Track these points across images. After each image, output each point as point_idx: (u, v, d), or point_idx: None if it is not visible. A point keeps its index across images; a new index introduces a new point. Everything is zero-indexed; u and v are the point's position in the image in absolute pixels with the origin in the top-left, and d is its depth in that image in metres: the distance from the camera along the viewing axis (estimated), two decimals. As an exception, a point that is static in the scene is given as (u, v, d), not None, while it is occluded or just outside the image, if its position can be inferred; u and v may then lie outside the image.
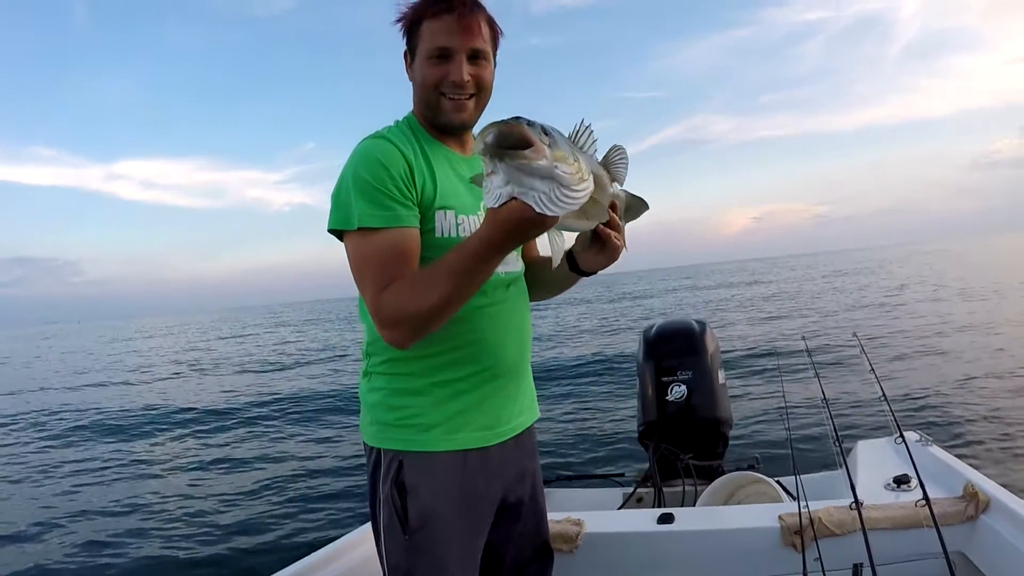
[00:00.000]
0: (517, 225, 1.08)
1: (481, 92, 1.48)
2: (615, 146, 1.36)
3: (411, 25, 1.48)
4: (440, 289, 1.23)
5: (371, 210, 1.32)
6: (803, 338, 3.71)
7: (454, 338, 1.44)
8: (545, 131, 1.01)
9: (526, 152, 0.97)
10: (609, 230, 1.38)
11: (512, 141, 0.98)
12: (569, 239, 1.50)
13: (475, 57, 1.46)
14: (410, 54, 1.50)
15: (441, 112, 1.46)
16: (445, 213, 1.44)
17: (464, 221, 1.46)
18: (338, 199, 1.37)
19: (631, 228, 1.56)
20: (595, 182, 1.16)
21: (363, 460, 1.52)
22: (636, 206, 1.53)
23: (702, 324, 3.32)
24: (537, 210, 1.02)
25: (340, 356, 19.33)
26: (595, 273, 1.53)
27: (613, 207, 1.36)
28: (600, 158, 1.30)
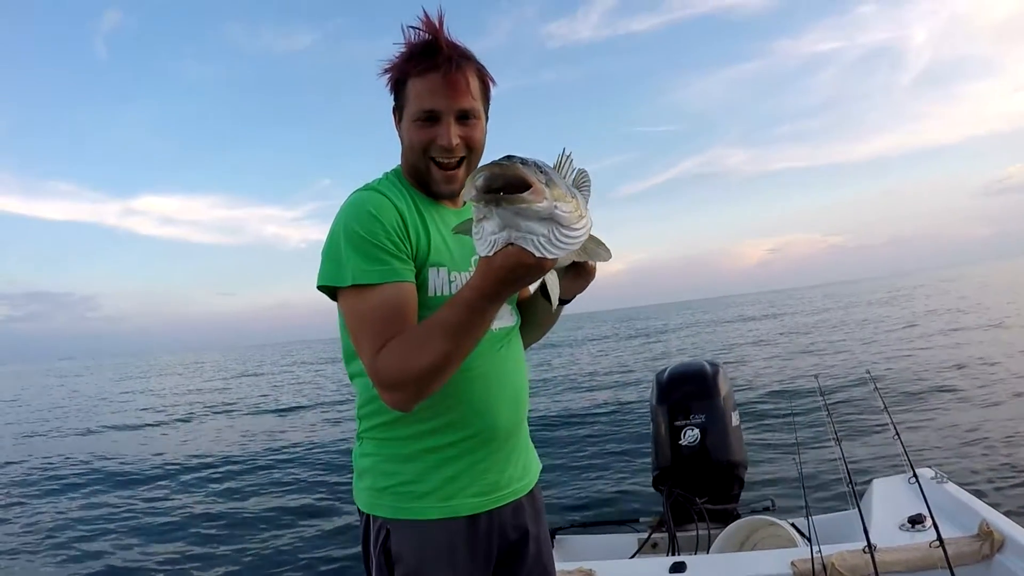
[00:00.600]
0: (513, 272, 1.01)
1: (472, 153, 1.41)
2: (581, 170, 1.28)
3: (396, 83, 1.42)
4: (436, 347, 1.15)
5: (365, 265, 1.25)
6: (816, 377, 3.72)
7: (442, 402, 1.36)
8: (540, 168, 0.95)
9: (524, 195, 0.91)
10: (588, 256, 1.32)
11: (506, 183, 0.92)
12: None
13: (464, 117, 1.38)
14: (398, 112, 1.44)
15: (432, 181, 1.40)
16: (438, 270, 1.38)
17: (457, 278, 1.40)
18: (329, 254, 1.31)
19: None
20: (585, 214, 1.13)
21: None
22: (592, 245, 1.48)
23: (715, 365, 3.34)
24: (537, 255, 0.96)
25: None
26: (572, 299, 1.50)
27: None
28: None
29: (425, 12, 1.35)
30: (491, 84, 1.47)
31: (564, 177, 1.10)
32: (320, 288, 1.32)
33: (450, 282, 1.39)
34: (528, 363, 1.59)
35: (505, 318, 1.48)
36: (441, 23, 1.37)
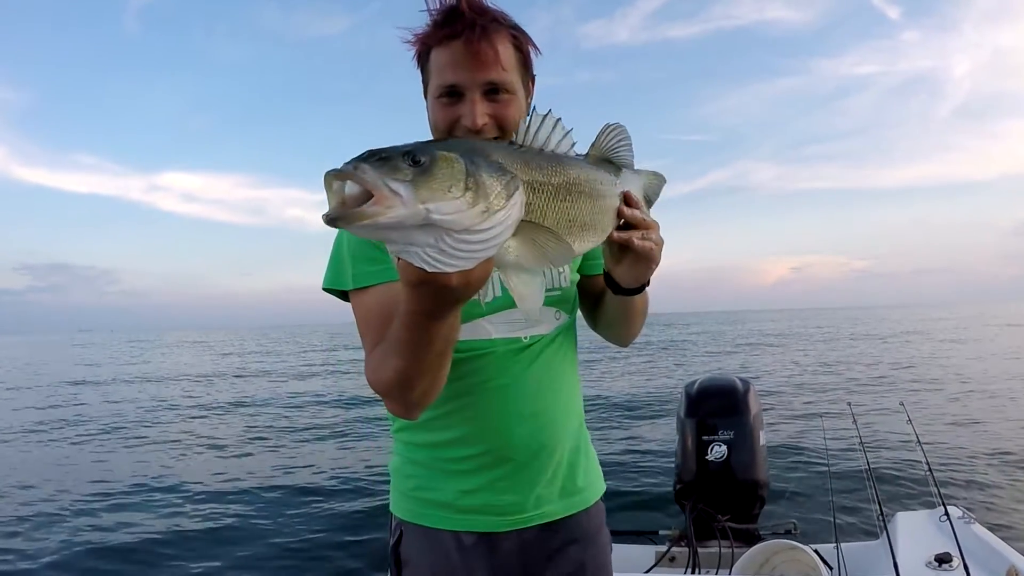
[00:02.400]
0: (419, 291, 0.85)
1: (504, 134, 1.18)
2: (606, 126, 1.12)
3: (420, 56, 1.25)
4: (392, 363, 1.04)
5: (364, 267, 1.20)
6: (849, 404, 3.66)
7: (458, 413, 1.29)
8: (415, 159, 0.72)
9: (363, 209, 0.69)
10: (627, 233, 1.10)
11: (347, 197, 0.72)
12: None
13: (493, 92, 1.18)
14: (425, 89, 1.26)
15: None
16: None
17: None
18: (332, 256, 1.26)
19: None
20: (576, 190, 0.95)
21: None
22: (652, 185, 1.30)
23: (746, 383, 3.30)
24: (429, 269, 0.76)
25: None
26: (642, 287, 1.23)
27: (628, 201, 1.11)
28: (590, 148, 1.10)
29: None
30: (532, 52, 1.26)
31: (544, 146, 0.95)
32: (326, 290, 1.27)
33: None
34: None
35: (535, 325, 1.31)
36: None
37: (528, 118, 0.95)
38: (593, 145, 1.11)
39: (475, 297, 1.21)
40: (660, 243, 1.14)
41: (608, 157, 1.12)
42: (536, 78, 1.30)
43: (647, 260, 1.14)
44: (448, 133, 1.20)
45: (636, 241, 1.10)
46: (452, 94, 1.18)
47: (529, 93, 1.28)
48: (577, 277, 1.38)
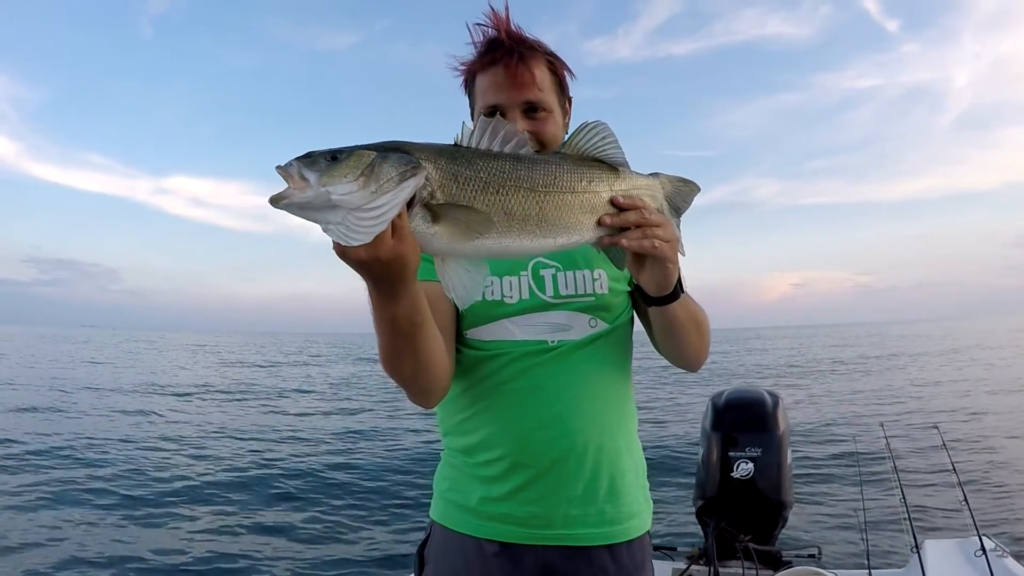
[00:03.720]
0: (354, 266, 0.94)
1: (544, 149, 1.30)
2: (583, 125, 1.12)
3: (467, 82, 1.40)
4: (378, 342, 1.11)
5: (424, 264, 1.21)
6: (882, 425, 3.51)
7: (480, 415, 1.33)
8: (335, 155, 0.88)
9: (283, 191, 0.87)
10: (615, 235, 1.09)
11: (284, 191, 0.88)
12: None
13: (532, 111, 1.33)
14: (472, 113, 1.41)
15: None
16: None
17: (493, 283, 1.33)
18: None
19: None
20: (512, 184, 0.99)
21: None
22: (681, 191, 1.28)
23: (775, 397, 3.16)
24: (343, 243, 0.89)
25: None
26: (668, 295, 1.21)
27: (616, 203, 1.10)
28: (562, 147, 1.12)
29: (491, 7, 1.32)
30: (567, 75, 1.40)
31: (491, 148, 1.01)
32: None
33: (484, 287, 1.32)
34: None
35: (570, 330, 1.33)
36: (507, 16, 1.33)
37: (476, 122, 1.02)
38: (565, 144, 1.13)
39: (501, 297, 1.34)
40: (669, 239, 1.12)
41: (596, 157, 1.12)
42: (572, 99, 1.43)
43: (660, 261, 1.12)
44: None
45: (626, 242, 1.08)
46: (494, 113, 1.31)
47: (566, 112, 1.41)
48: (621, 288, 1.39)
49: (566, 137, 1.00)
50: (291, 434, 11.27)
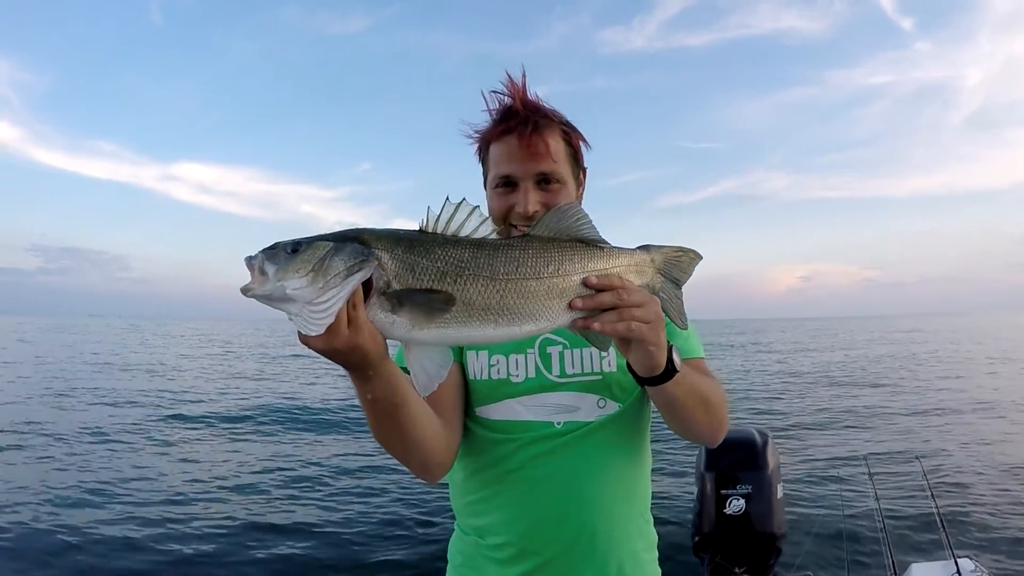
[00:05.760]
0: (320, 353, 0.94)
1: None
2: (555, 207, 1.10)
3: (480, 150, 1.38)
4: (367, 420, 1.12)
5: None
6: (864, 459, 3.73)
7: (487, 502, 1.32)
8: (291, 249, 0.92)
9: (246, 284, 0.91)
10: (594, 321, 1.03)
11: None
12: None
13: (544, 182, 1.29)
14: (484, 180, 1.38)
15: None
16: (476, 354, 1.33)
17: (499, 362, 1.32)
18: None
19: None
20: (472, 273, 0.98)
21: None
22: (679, 262, 1.21)
23: (764, 436, 3.36)
24: (304, 332, 0.92)
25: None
26: (660, 374, 1.13)
27: (596, 285, 1.05)
28: (532, 230, 1.10)
29: (508, 75, 1.29)
30: (582, 146, 1.36)
31: (458, 232, 1.00)
32: None
33: (490, 366, 1.32)
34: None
35: (577, 411, 1.30)
36: (524, 83, 1.30)
37: (441, 206, 1.00)
38: (535, 227, 1.09)
39: (507, 376, 1.33)
40: (649, 320, 1.05)
41: (575, 236, 1.08)
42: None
43: (643, 349, 1.07)
44: (503, 220, 1.30)
45: (598, 325, 1.03)
46: (507, 184, 1.30)
47: (580, 183, 1.37)
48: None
49: (440, 213, 0.99)
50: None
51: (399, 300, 0.94)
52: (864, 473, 3.49)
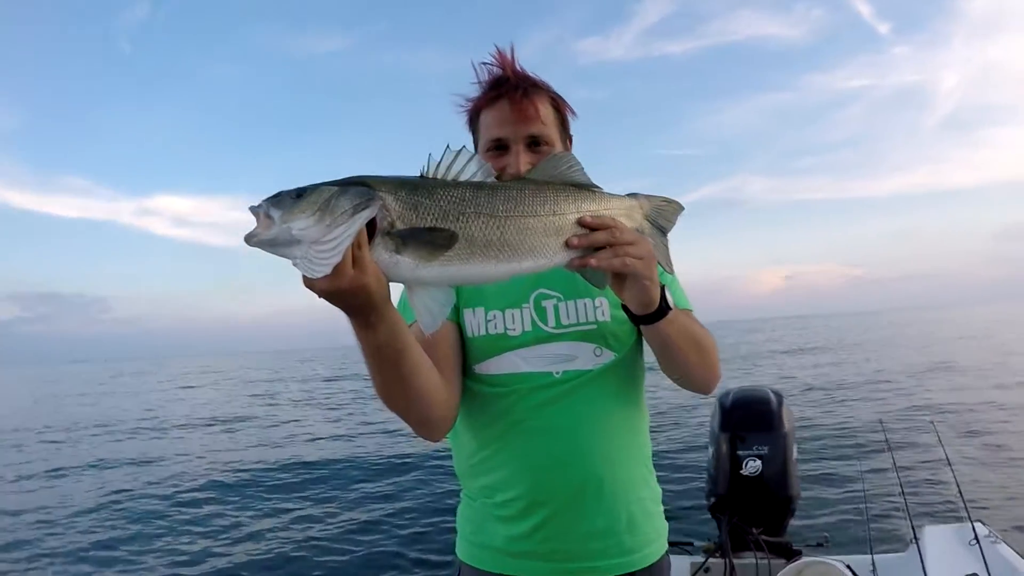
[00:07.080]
0: (322, 296, 0.95)
1: None
2: (549, 155, 1.18)
3: (471, 119, 1.41)
4: (369, 375, 1.12)
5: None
6: (880, 422, 3.69)
7: (495, 457, 1.35)
8: (300, 193, 0.92)
9: (252, 230, 0.91)
10: (591, 258, 1.09)
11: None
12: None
13: (535, 144, 1.33)
14: (476, 148, 1.40)
15: None
16: (473, 311, 1.37)
17: (496, 317, 1.36)
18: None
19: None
20: (473, 211, 1.01)
21: None
22: (664, 211, 1.28)
23: (779, 396, 3.31)
24: (309, 276, 0.92)
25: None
26: (654, 312, 1.18)
27: (584, 223, 1.10)
28: (528, 174, 1.15)
29: (497, 47, 1.35)
30: (569, 113, 1.42)
31: (457, 177, 1.03)
32: None
33: (487, 321, 1.36)
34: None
35: (575, 360, 1.34)
36: (512, 55, 1.36)
37: (442, 154, 1.03)
38: (532, 173, 1.15)
39: (504, 331, 1.36)
40: (642, 256, 1.10)
41: (568, 181, 1.14)
42: (572, 137, 1.44)
43: (636, 278, 1.12)
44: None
45: (594, 261, 1.08)
46: (499, 147, 1.34)
47: (567, 149, 1.41)
48: (624, 314, 1.29)
49: (441, 159, 1.02)
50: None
51: (403, 240, 0.96)
52: (881, 440, 3.45)
